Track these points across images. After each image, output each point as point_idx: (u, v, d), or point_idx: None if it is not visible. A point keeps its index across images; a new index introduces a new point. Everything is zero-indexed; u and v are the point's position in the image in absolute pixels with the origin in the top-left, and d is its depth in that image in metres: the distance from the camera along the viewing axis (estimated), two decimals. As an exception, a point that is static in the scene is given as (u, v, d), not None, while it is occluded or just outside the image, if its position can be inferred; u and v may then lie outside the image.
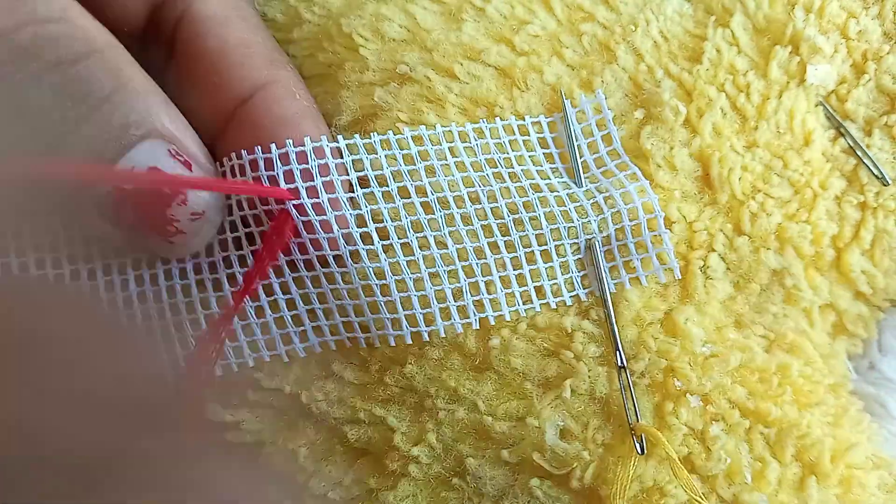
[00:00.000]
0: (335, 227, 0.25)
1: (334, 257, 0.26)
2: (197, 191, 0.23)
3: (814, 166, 0.29)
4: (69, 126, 0.22)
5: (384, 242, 0.26)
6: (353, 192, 0.26)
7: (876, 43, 0.30)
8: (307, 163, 0.25)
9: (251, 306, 0.26)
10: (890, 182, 0.29)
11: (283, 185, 0.24)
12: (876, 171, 0.29)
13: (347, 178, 0.26)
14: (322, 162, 0.25)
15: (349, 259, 0.25)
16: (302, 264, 0.26)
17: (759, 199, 0.28)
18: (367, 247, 0.25)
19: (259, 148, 0.25)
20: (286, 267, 0.26)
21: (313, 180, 0.25)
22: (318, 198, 0.25)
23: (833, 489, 0.27)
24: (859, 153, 0.29)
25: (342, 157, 0.26)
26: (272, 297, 0.26)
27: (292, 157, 0.25)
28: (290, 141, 0.25)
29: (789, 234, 0.27)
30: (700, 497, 0.24)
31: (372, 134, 0.26)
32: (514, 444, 0.26)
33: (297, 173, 0.25)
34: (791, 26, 0.29)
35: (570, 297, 0.26)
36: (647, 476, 0.25)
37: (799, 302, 0.28)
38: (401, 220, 0.26)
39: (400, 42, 0.28)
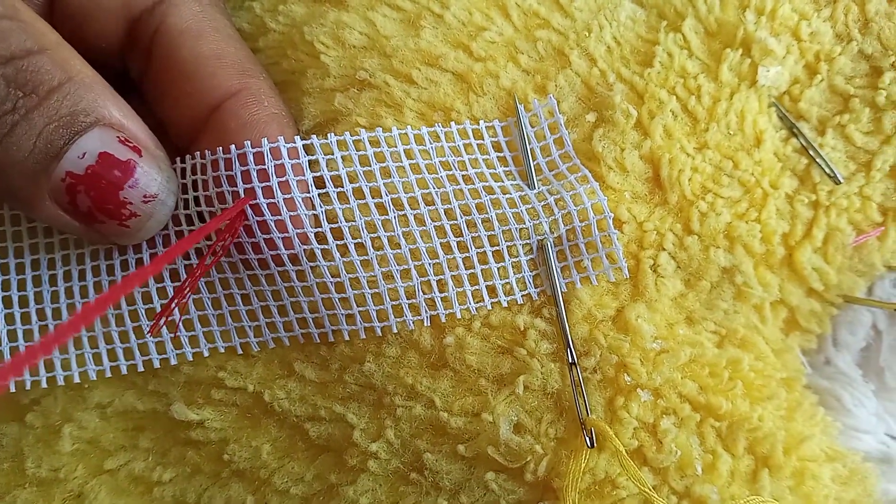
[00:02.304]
0: (290, 227, 0.26)
1: (290, 256, 0.26)
2: (149, 171, 0.24)
3: (764, 166, 0.29)
4: (19, 115, 0.23)
5: (339, 242, 0.26)
6: (309, 192, 0.26)
7: (828, 44, 0.30)
8: (264, 164, 0.25)
9: (207, 298, 0.27)
10: (842, 181, 0.30)
11: (240, 184, 0.25)
12: (828, 171, 0.30)
13: (304, 178, 0.26)
14: (279, 163, 0.26)
15: (304, 258, 0.26)
16: (256, 263, 0.26)
17: (709, 199, 0.28)
18: (322, 246, 0.26)
19: (220, 149, 0.25)
20: (241, 265, 0.27)
21: (269, 181, 0.25)
22: (274, 198, 0.25)
23: (786, 481, 0.27)
24: (812, 153, 0.30)
25: (299, 159, 0.26)
26: (228, 291, 0.27)
27: (249, 157, 0.25)
28: (249, 142, 0.25)
29: (738, 233, 0.28)
30: (648, 488, 0.25)
31: (329, 135, 0.27)
32: (470, 439, 0.26)
33: (253, 174, 0.25)
34: (742, 29, 0.29)
35: (522, 295, 0.27)
36: (599, 469, 0.26)
37: (749, 299, 0.29)
38: (355, 221, 0.26)
39: (360, 49, 0.29)
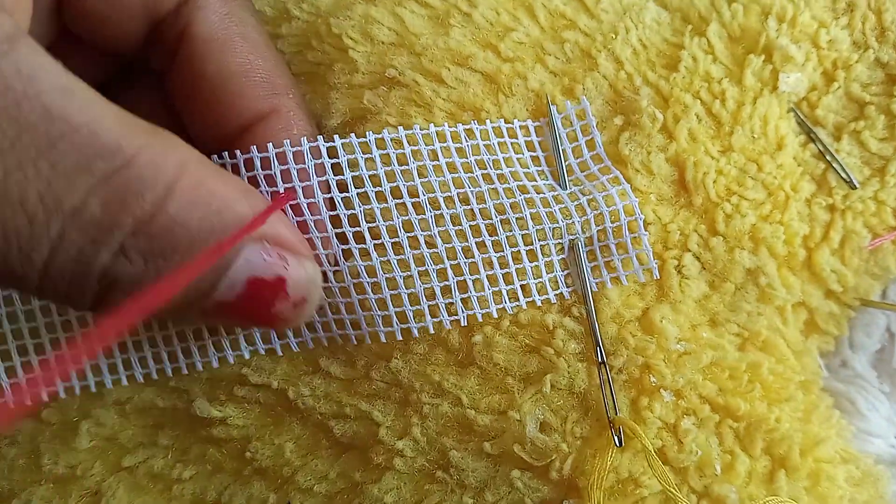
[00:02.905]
0: (329, 227, 0.26)
1: (328, 257, 0.26)
2: (297, 280, 0.23)
3: (786, 170, 0.30)
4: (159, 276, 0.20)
5: (376, 241, 0.26)
6: (341, 192, 0.26)
7: (845, 52, 0.31)
8: (305, 163, 0.26)
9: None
10: (858, 186, 0.30)
11: (280, 183, 0.25)
12: (844, 175, 0.30)
13: (343, 178, 0.26)
14: (318, 162, 0.26)
15: (342, 258, 0.26)
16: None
17: (734, 201, 0.29)
18: (360, 245, 0.26)
19: (255, 147, 0.25)
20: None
21: (309, 180, 0.25)
22: (314, 197, 0.25)
23: (802, 482, 0.28)
24: (828, 158, 0.31)
25: (328, 159, 0.26)
26: None
27: (289, 156, 0.25)
28: (288, 141, 0.25)
29: (763, 235, 0.29)
30: (673, 487, 0.25)
31: (368, 133, 0.27)
32: (496, 436, 0.26)
33: (293, 173, 0.25)
34: (765, 35, 0.30)
35: (555, 295, 0.27)
36: (623, 468, 0.26)
37: (773, 300, 0.29)
38: (393, 220, 0.26)
39: (389, 45, 0.29)
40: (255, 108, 0.26)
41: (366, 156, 0.27)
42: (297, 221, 0.25)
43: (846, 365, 0.32)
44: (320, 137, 0.26)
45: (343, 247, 0.26)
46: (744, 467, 0.27)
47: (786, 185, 0.30)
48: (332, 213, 0.26)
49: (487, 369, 0.27)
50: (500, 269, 0.27)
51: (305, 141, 0.26)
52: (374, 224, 0.26)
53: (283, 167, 0.25)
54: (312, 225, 0.26)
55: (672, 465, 0.26)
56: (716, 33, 0.30)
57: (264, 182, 0.26)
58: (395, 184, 0.27)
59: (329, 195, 0.26)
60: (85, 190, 0.19)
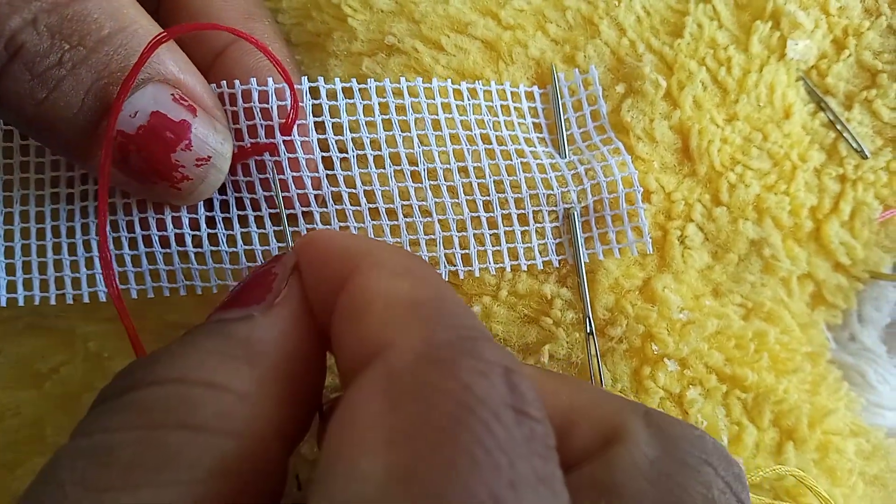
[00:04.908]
0: (321, 168, 0.25)
1: (316, 200, 0.26)
2: (203, 133, 0.23)
3: (793, 139, 0.29)
4: (66, 69, 0.21)
5: (367, 188, 0.26)
6: (343, 135, 0.26)
7: (856, 19, 0.30)
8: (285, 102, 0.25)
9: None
10: (869, 156, 0.30)
11: (276, 119, 0.25)
12: (855, 145, 0.30)
13: (340, 121, 0.26)
14: (316, 102, 0.26)
15: (330, 199, 0.26)
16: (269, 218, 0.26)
17: (738, 171, 0.28)
18: (350, 190, 0.26)
19: (254, 80, 0.25)
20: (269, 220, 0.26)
21: (305, 119, 0.25)
22: (308, 137, 0.25)
23: (810, 454, 0.27)
24: (839, 127, 0.30)
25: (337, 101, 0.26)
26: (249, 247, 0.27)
27: (271, 93, 0.25)
28: (305, 78, 0.25)
29: (767, 205, 0.28)
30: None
31: (368, 80, 0.27)
32: (496, 407, 0.26)
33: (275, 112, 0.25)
34: (772, 2, 0.29)
35: (542, 261, 0.27)
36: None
37: (777, 272, 0.28)
38: (384, 169, 0.26)
39: (388, 13, 0.29)
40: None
41: (365, 102, 0.26)
42: (288, 158, 0.25)
43: (855, 339, 0.31)
44: (320, 78, 0.26)
45: (333, 189, 0.26)
46: (751, 439, 0.27)
47: (793, 155, 0.29)
48: (325, 154, 0.26)
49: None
50: (489, 229, 0.26)
51: (306, 80, 0.25)
52: (365, 170, 0.26)
53: (280, 102, 0.25)
54: (304, 163, 0.25)
55: (676, 436, 0.26)
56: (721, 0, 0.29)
57: (260, 115, 0.25)
58: (391, 132, 0.26)
59: (324, 136, 0.26)
60: None
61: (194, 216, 0.26)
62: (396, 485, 0.13)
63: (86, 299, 0.26)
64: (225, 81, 0.25)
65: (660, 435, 0.18)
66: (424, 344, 0.15)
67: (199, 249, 0.26)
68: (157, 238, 0.26)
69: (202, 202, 0.26)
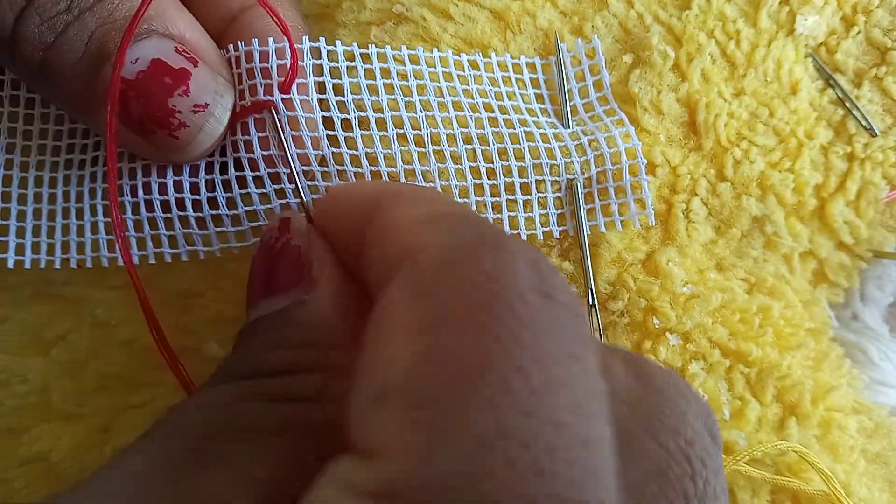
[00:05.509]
0: (321, 127, 0.25)
1: (316, 158, 0.26)
2: (202, 81, 0.23)
3: (800, 115, 0.29)
4: (73, 15, 0.22)
5: (368, 151, 0.26)
6: (345, 96, 0.26)
7: (866, -4, 0.30)
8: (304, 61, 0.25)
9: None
10: (878, 133, 0.30)
11: (275, 77, 0.25)
12: (864, 123, 0.30)
13: (342, 82, 0.26)
14: (304, 63, 0.25)
15: (329, 152, 0.26)
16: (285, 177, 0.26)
17: (744, 147, 0.28)
18: (351, 152, 0.26)
19: (256, 41, 0.25)
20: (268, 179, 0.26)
21: (305, 79, 0.25)
22: (308, 95, 0.25)
23: (813, 430, 0.27)
24: (848, 105, 0.30)
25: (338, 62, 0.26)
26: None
27: (271, 52, 0.25)
28: (271, 39, 0.25)
29: (771, 182, 0.28)
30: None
31: (370, 46, 0.26)
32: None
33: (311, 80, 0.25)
34: (781, -24, 0.29)
35: (543, 231, 0.27)
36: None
37: (779, 248, 0.28)
38: (387, 131, 0.26)
39: (396, -17, 0.29)
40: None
41: (365, 66, 0.26)
42: (287, 116, 0.25)
43: (857, 318, 0.31)
44: (322, 39, 0.26)
45: (334, 150, 0.26)
46: (754, 414, 0.27)
47: (799, 132, 0.29)
48: (326, 114, 0.26)
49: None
50: (491, 197, 0.26)
51: (307, 40, 0.25)
52: (368, 132, 0.26)
53: (280, 61, 0.25)
54: (303, 122, 0.25)
55: (678, 409, 0.26)
56: (730, -27, 0.29)
57: (260, 74, 0.25)
58: (393, 96, 0.26)
59: (324, 96, 0.26)
60: None
61: (195, 179, 0.26)
62: (423, 367, 0.13)
63: (88, 264, 0.26)
64: (231, 45, 0.25)
65: (637, 371, 0.18)
66: (449, 243, 0.16)
67: (199, 214, 0.26)
68: (158, 202, 0.26)
69: (203, 165, 0.26)
